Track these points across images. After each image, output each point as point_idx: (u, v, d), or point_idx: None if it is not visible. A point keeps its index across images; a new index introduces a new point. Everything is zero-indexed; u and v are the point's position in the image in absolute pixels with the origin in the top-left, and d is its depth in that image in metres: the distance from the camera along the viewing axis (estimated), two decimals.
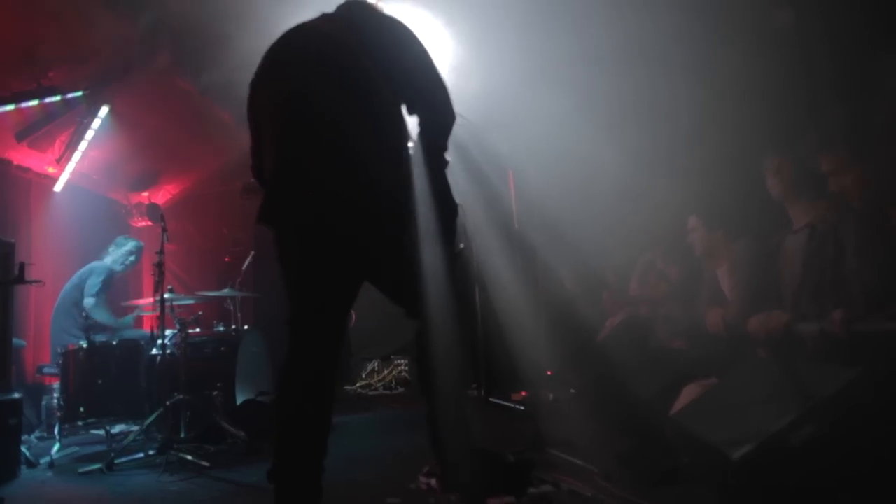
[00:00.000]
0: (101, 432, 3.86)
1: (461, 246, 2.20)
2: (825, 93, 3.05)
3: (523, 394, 4.55)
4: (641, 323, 4.24)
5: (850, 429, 1.73)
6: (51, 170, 5.44)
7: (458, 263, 2.19)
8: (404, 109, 2.05)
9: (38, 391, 4.54)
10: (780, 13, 3.63)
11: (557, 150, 4.45)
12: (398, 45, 2.03)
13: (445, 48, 4.16)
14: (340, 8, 2.17)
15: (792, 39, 3.49)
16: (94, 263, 4.84)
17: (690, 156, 3.82)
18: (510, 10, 3.48)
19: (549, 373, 4.47)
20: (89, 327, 4.00)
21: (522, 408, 4.27)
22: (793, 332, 2.67)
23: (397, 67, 2.00)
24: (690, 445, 2.24)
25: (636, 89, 4.26)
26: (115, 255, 4.92)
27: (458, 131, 2.21)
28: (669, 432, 2.52)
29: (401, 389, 5.96)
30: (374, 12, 2.15)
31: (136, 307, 4.90)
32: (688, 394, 2.78)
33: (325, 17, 2.13)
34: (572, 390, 4.54)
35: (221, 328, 4.82)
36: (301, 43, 2.08)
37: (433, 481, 2.27)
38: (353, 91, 1.95)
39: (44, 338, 5.05)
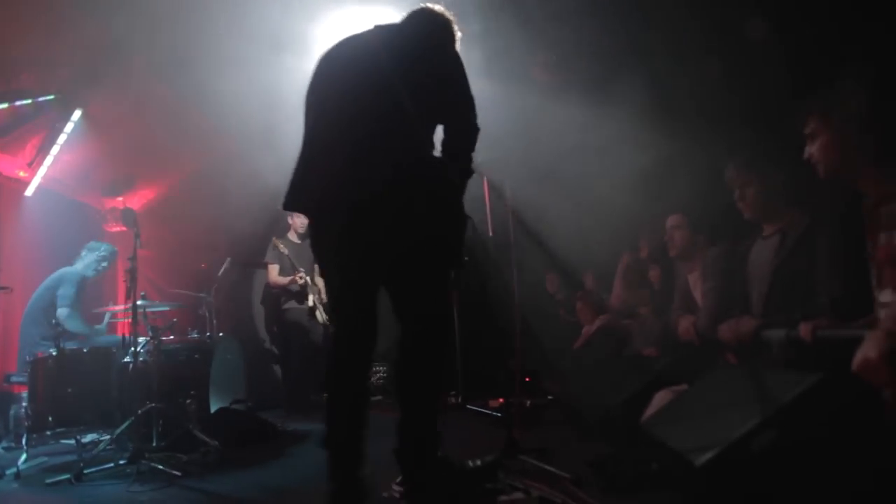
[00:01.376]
0: (71, 442, 3.77)
1: (466, 258, 2.30)
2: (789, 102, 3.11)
3: (500, 400, 4.57)
4: (617, 331, 4.30)
5: (808, 434, 1.78)
6: (22, 174, 5.33)
7: (462, 275, 2.33)
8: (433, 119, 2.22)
9: (5, 400, 4.41)
10: (753, 26, 3.70)
11: (534, 156, 4.48)
12: (436, 64, 2.25)
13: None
14: (406, 18, 2.42)
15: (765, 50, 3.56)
16: (65, 269, 4.69)
17: (673, 159, 3.85)
18: (484, 13, 3.48)
19: (526, 379, 4.50)
20: (59, 335, 3.91)
21: (499, 414, 4.28)
22: (760, 338, 2.73)
23: (432, 84, 2.19)
24: (659, 452, 2.27)
25: (620, 90, 4.29)
26: (87, 261, 4.78)
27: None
28: (640, 439, 2.55)
29: (378, 397, 5.93)
30: (427, 26, 2.38)
31: (106, 313, 4.80)
32: (659, 400, 2.83)
33: (377, 29, 2.31)
34: (549, 397, 4.57)
35: (196, 335, 4.76)
36: (347, 53, 2.30)
37: None
38: (384, 101, 2.13)
39: (11, 346, 4.93)
